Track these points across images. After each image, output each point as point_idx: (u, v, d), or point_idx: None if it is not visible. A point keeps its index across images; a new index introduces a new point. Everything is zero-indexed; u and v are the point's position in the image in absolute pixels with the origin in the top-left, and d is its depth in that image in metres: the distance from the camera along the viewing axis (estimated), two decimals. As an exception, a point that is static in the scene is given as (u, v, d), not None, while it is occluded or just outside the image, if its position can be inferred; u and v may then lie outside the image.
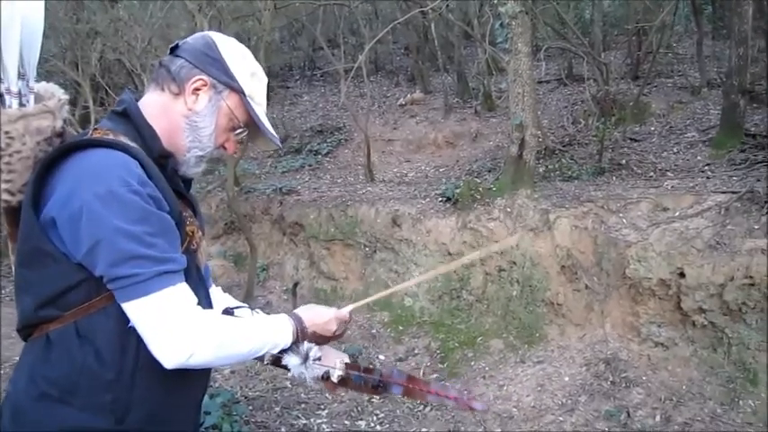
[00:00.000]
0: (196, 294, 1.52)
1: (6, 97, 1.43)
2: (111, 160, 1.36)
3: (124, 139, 1.43)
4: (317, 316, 1.75)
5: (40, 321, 1.41)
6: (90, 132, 1.47)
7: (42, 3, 1.48)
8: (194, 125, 1.55)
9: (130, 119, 1.51)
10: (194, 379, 1.58)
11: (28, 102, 1.45)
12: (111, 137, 1.43)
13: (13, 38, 1.41)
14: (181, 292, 1.39)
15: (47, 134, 1.43)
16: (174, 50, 1.58)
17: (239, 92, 1.58)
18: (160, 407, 1.48)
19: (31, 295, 1.40)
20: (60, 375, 1.38)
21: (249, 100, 1.60)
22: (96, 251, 1.30)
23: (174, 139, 1.55)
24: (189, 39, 1.61)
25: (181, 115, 1.54)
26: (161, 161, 1.50)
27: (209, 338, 1.39)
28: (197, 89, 1.54)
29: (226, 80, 1.56)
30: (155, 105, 1.55)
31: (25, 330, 1.46)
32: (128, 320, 1.37)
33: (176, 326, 1.35)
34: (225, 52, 1.57)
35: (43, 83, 1.54)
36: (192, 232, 1.57)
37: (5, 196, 1.42)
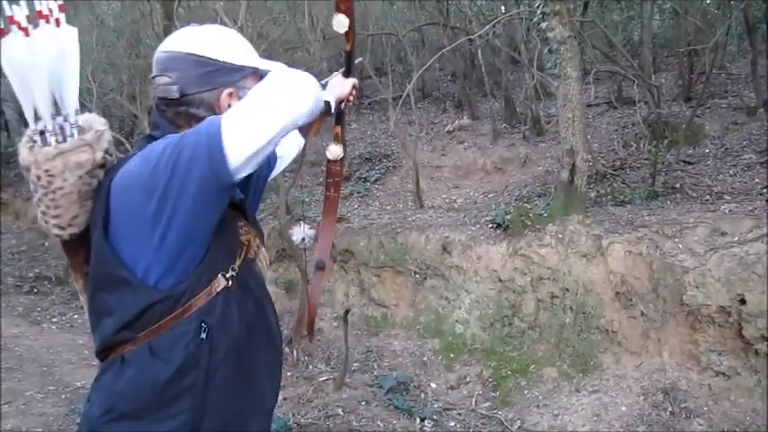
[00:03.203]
0: (257, 300, 1.62)
1: (47, 136, 1.47)
2: None
3: None
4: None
5: (116, 344, 1.48)
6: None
7: (69, 42, 1.49)
8: None
9: None
10: (265, 385, 1.64)
11: (72, 136, 1.49)
12: None
13: (39, 81, 1.44)
14: None
15: (87, 167, 1.48)
16: (161, 83, 1.57)
17: (252, 71, 1.60)
18: (233, 414, 1.53)
19: (111, 319, 1.47)
20: (135, 392, 1.44)
21: (259, 69, 1.60)
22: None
23: None
24: (170, 65, 1.55)
25: None
26: None
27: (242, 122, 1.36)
28: (228, 103, 1.55)
29: (239, 76, 1.58)
30: None
31: (103, 353, 1.52)
32: (200, 332, 1.44)
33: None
34: (215, 53, 1.55)
35: (86, 114, 1.58)
36: (249, 241, 1.62)
37: (56, 231, 1.50)
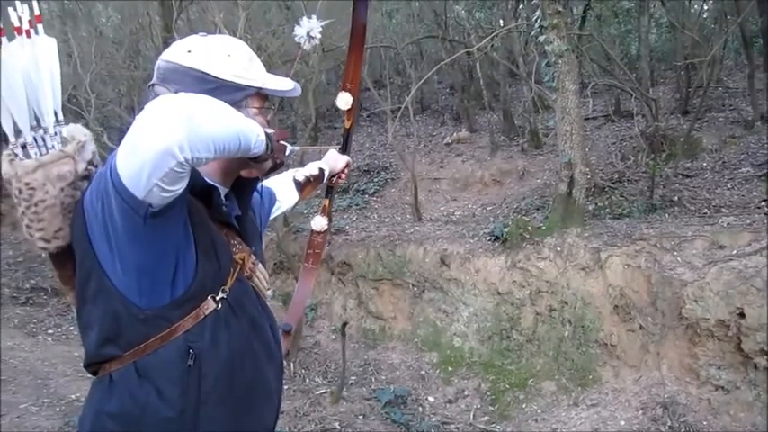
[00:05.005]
0: (256, 320, 1.57)
1: (28, 149, 1.43)
2: None
3: None
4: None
5: (102, 359, 1.44)
6: None
7: (43, 53, 1.44)
8: None
9: None
10: (261, 404, 1.59)
11: (53, 149, 1.45)
12: None
13: (12, 94, 1.39)
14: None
15: (69, 179, 1.43)
16: (159, 94, 1.46)
17: (256, 91, 1.53)
18: None
19: (93, 332, 1.44)
20: (124, 414, 1.40)
21: (263, 87, 1.53)
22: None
23: (231, 167, 1.53)
24: (170, 77, 1.47)
25: None
26: (205, 195, 1.46)
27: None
28: None
29: (241, 96, 1.49)
30: None
31: (91, 367, 1.49)
32: (186, 358, 1.39)
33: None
34: (216, 71, 1.46)
35: (71, 125, 1.53)
36: (243, 259, 1.55)
37: (42, 244, 1.46)
